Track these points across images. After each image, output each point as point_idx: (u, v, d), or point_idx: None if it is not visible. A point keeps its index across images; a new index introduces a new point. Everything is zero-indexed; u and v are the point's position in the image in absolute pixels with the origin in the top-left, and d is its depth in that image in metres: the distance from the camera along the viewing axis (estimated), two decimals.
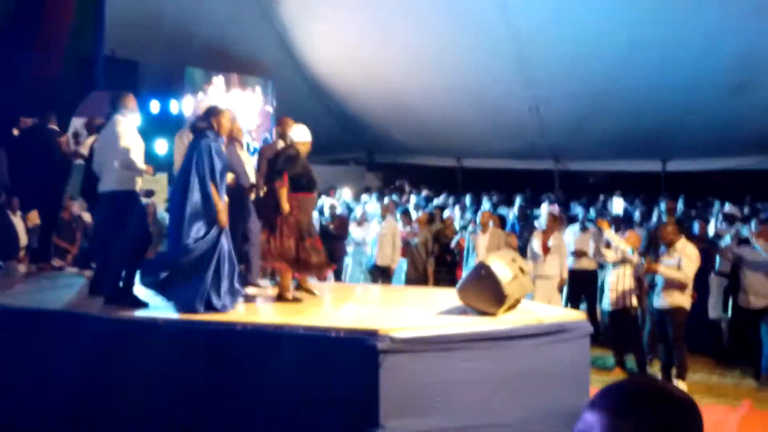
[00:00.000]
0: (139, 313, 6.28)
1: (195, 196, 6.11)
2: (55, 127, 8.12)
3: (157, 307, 6.43)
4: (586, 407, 1.35)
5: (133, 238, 6.63)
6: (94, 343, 6.11)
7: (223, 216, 6.19)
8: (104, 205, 6.94)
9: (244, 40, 15.65)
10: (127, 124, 6.64)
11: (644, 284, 8.74)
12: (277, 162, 6.71)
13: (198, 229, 6.09)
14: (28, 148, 7.89)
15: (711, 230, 11.34)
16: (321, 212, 12.40)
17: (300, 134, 6.92)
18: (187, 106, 13.57)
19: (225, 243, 6.24)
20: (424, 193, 17.41)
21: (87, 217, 10.25)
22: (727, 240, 8.88)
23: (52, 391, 6.15)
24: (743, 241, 9.04)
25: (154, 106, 13.48)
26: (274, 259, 6.67)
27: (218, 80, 15.39)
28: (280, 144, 7.52)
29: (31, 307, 6.57)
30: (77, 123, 12.28)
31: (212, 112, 6.38)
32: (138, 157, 6.56)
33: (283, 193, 6.58)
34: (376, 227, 11.32)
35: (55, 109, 8.01)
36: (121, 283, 6.57)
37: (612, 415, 1.28)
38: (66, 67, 12.65)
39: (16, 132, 8.11)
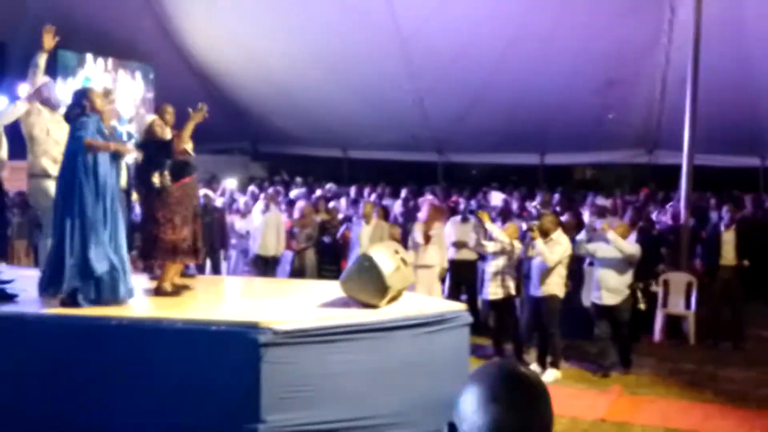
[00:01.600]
0: (9, 309, 5.96)
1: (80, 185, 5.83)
2: None
3: (25, 302, 6.13)
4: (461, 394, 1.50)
5: None
6: None
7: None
8: None
9: (123, 24, 15.07)
10: None
11: (522, 274, 9.02)
12: (148, 157, 6.53)
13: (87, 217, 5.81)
14: None
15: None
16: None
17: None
18: (60, 89, 12.97)
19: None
20: (310, 184, 17.34)
21: None
22: (582, 235, 9.11)
23: None
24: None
25: (23, 89, 12.77)
26: (160, 254, 6.48)
27: (95, 63, 14.80)
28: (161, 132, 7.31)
29: None
30: None
31: (81, 95, 6.10)
32: None
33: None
34: (258, 218, 11.18)
35: None
36: None
37: (481, 400, 1.44)
38: None
39: None
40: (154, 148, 6.58)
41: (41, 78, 6.65)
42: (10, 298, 6.13)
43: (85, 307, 5.81)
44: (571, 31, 14.00)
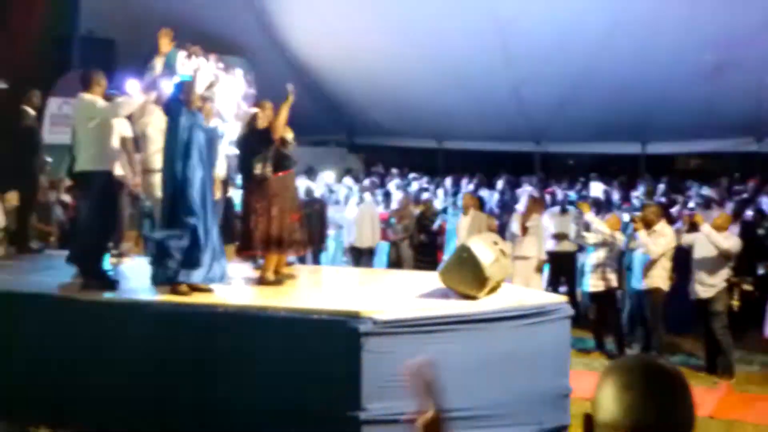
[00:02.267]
0: (120, 296, 6.24)
1: (177, 177, 6.04)
2: (29, 109, 7.99)
3: (132, 289, 6.41)
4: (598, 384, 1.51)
5: (104, 218, 6.59)
6: (76, 326, 6.07)
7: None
8: (79, 185, 6.91)
9: (223, 20, 15.46)
10: (91, 102, 6.55)
11: (623, 266, 8.81)
12: (250, 147, 6.69)
13: (187, 207, 6.02)
14: (3, 129, 7.77)
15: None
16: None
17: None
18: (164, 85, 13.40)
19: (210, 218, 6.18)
20: (408, 175, 17.36)
21: (67, 197, 10.16)
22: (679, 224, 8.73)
23: (40, 372, 6.12)
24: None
25: (131, 85, 13.29)
26: (259, 245, 6.64)
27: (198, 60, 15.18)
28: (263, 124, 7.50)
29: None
30: (54, 103, 12.14)
31: (180, 88, 6.30)
32: (107, 135, 6.50)
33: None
34: (354, 209, 11.29)
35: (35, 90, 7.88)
36: (94, 264, 6.52)
37: (617, 388, 1.46)
38: (42, 47, 12.47)
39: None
40: (254, 139, 6.74)
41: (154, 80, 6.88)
42: (112, 285, 6.40)
43: (191, 294, 6.02)
44: (675, 14, 13.49)
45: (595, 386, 1.51)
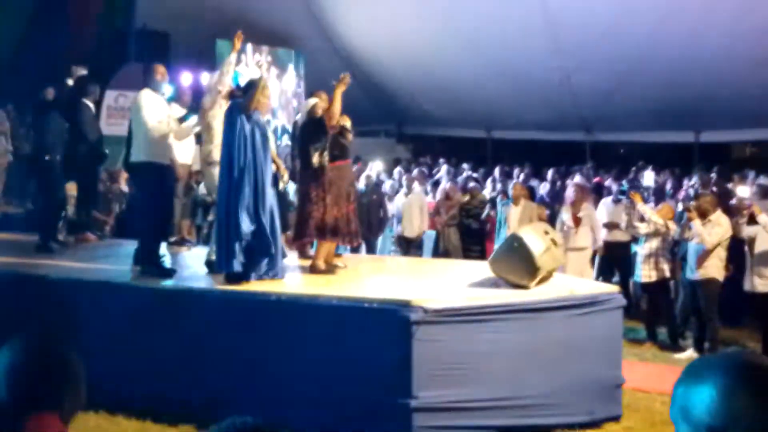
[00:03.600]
0: (175, 284, 6.38)
1: (235, 170, 6.16)
2: (88, 102, 8.20)
3: (187, 277, 6.55)
4: (683, 383, 1.35)
5: (160, 210, 6.75)
6: (133, 312, 6.23)
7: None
8: (135, 176, 7.09)
9: (274, 13, 15.61)
10: (150, 96, 6.71)
11: (677, 256, 8.69)
12: (308, 136, 6.76)
13: (246, 201, 6.13)
14: (45, 121, 7.98)
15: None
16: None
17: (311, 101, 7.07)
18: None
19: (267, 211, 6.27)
20: (460, 165, 17.29)
21: (125, 188, 10.41)
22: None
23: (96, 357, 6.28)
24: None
25: (186, 78, 13.54)
26: (314, 232, 6.72)
27: (253, 57, 15.34)
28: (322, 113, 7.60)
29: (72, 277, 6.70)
30: (110, 95, 12.42)
31: (249, 85, 6.42)
32: (161, 127, 6.64)
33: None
34: (402, 199, 11.32)
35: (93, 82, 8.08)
36: (151, 254, 6.69)
37: (720, 391, 1.29)
38: (99, 41, 12.76)
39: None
40: (311, 128, 6.82)
41: (227, 76, 7.04)
42: (169, 273, 6.55)
43: (247, 282, 6.14)
44: (725, 3, 13.19)
45: (676, 384, 1.37)
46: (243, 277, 6.14)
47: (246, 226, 6.06)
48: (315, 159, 6.63)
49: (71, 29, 11.95)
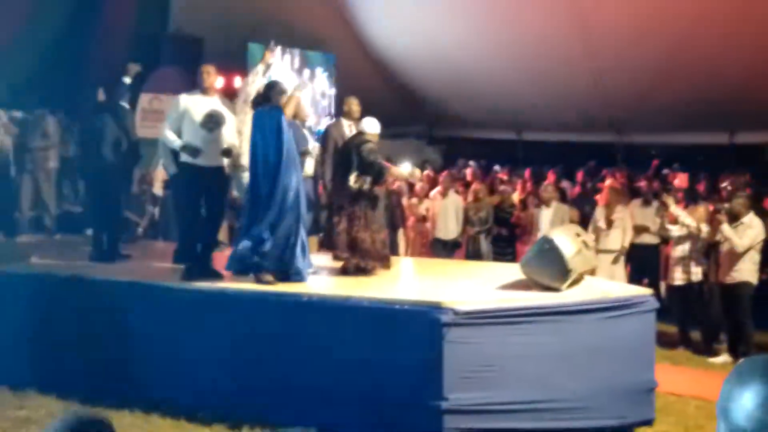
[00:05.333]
0: (212, 285, 6.45)
1: (262, 174, 6.23)
2: (125, 104, 8.32)
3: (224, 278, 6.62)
4: (729, 382, 1.35)
5: (207, 212, 6.84)
6: (168, 313, 6.33)
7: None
8: (173, 178, 7.21)
9: (305, 15, 15.70)
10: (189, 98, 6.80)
11: (710, 258, 8.59)
12: (354, 152, 6.79)
13: (274, 203, 6.20)
14: (99, 124, 8.10)
15: None
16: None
17: (371, 126, 7.08)
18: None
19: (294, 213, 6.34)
20: (493, 166, 17.22)
21: (158, 189, 10.54)
22: None
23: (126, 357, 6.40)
24: None
25: (219, 82, 13.66)
26: (345, 250, 6.77)
27: (282, 60, 15.42)
28: (345, 122, 7.66)
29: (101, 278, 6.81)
30: (145, 99, 12.59)
31: (270, 87, 6.49)
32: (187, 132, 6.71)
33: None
34: (438, 201, 11.32)
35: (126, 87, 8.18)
36: (198, 255, 6.77)
37: (761, 394, 1.28)
38: (133, 45, 12.93)
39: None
40: (346, 150, 6.93)
41: (251, 86, 7.10)
42: (218, 275, 6.63)
43: (276, 283, 6.20)
44: (759, 5, 13.01)
45: (725, 380, 1.36)
46: (270, 278, 6.21)
47: (268, 228, 6.14)
48: (354, 183, 6.70)
49: (106, 34, 12.13)
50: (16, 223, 9.70)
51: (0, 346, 6.76)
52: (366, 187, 6.70)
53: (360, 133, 7.05)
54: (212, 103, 6.80)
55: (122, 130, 7.75)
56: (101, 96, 8.11)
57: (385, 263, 7.05)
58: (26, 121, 10.28)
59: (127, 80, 7.89)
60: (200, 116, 6.68)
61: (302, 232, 6.37)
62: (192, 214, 6.85)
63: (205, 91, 6.83)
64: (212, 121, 6.69)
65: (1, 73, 10.81)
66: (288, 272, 6.30)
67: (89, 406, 5.76)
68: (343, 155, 7.03)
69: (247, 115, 6.89)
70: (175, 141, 6.73)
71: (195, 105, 6.75)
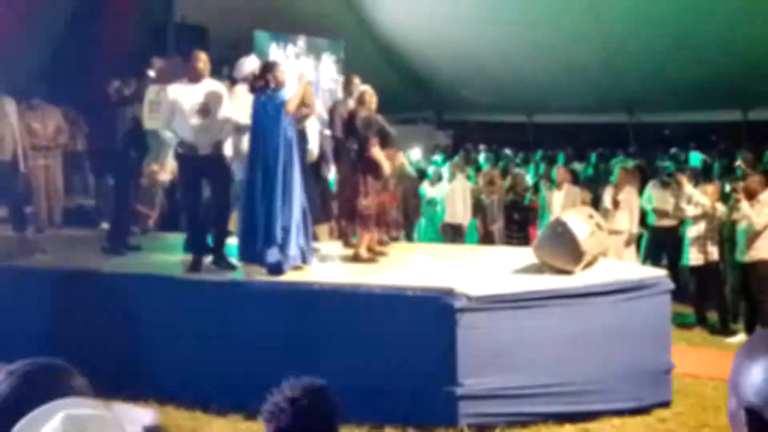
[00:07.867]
0: (224, 276, 6.42)
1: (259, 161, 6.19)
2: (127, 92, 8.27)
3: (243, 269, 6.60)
4: (739, 356, 1.33)
5: (213, 201, 6.80)
6: (180, 304, 6.30)
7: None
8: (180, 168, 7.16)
9: (311, 1, 15.60)
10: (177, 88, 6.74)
11: (725, 238, 8.50)
12: (356, 126, 6.75)
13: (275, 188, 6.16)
14: (107, 115, 8.05)
15: None
16: None
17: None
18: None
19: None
20: (503, 150, 17.15)
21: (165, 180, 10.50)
22: None
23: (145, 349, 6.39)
24: None
25: (225, 71, 13.60)
26: (357, 220, 6.73)
27: (285, 50, 15.33)
28: (351, 103, 7.59)
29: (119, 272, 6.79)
30: (152, 90, 12.53)
31: (267, 68, 6.42)
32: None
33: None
34: (446, 186, 11.25)
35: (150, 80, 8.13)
36: (208, 245, 6.74)
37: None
38: (138, 35, 12.87)
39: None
40: (352, 123, 6.85)
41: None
42: (232, 267, 6.60)
43: (282, 273, 6.16)
44: None
45: (736, 354, 1.34)
46: (280, 268, 6.18)
47: (266, 214, 6.12)
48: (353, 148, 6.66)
49: (110, 25, 12.06)
50: (25, 218, 9.68)
51: (13, 341, 6.75)
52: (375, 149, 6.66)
53: (360, 107, 7.01)
54: (201, 89, 6.64)
55: (137, 122, 7.73)
56: (124, 89, 7.98)
57: (388, 229, 7.03)
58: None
59: (152, 74, 7.80)
60: (189, 105, 6.58)
61: (300, 219, 6.32)
62: (193, 202, 6.81)
63: (193, 78, 6.72)
64: (201, 110, 6.58)
65: (7, 65, 10.77)
66: (287, 259, 6.25)
67: (103, 398, 5.74)
68: (349, 131, 7.02)
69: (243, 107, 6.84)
70: (172, 139, 6.70)
71: (184, 94, 6.61)
